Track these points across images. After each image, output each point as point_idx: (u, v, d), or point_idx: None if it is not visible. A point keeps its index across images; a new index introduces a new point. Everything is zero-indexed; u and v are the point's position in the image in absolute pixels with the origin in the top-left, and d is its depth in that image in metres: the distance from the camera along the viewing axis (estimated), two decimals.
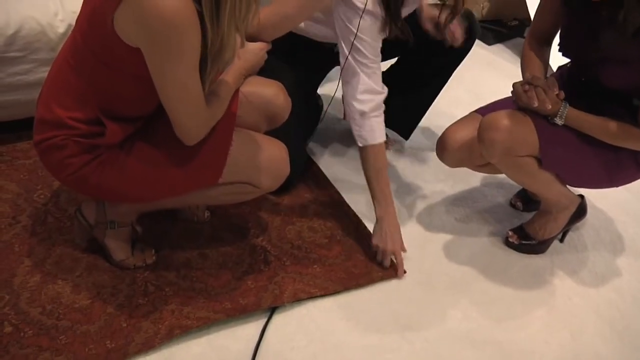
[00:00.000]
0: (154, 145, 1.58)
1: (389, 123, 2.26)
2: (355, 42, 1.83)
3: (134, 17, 1.30)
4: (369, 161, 1.97)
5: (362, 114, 1.93)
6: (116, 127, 1.51)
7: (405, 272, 2.00)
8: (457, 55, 2.25)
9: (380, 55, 1.90)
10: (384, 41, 1.91)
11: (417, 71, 2.31)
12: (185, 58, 1.35)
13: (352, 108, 1.93)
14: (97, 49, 1.41)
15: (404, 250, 2.03)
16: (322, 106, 2.55)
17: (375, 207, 2.01)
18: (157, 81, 1.40)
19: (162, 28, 1.28)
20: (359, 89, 1.90)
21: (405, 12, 1.94)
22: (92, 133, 1.51)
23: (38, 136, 1.54)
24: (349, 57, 1.86)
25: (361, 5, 1.81)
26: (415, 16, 2.12)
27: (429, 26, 2.12)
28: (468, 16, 2.21)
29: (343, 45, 1.87)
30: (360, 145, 1.96)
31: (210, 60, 1.40)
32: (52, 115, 1.50)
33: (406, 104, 2.39)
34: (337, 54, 1.94)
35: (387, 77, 2.37)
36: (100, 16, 1.35)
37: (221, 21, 1.35)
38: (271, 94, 1.84)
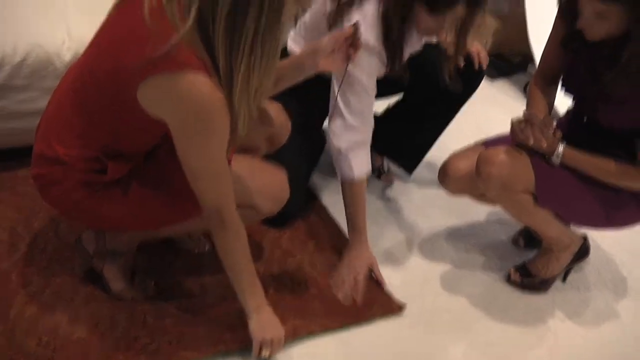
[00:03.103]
0: (152, 175, 1.58)
1: (393, 157, 2.26)
2: (346, 78, 1.83)
3: (164, 95, 1.32)
4: (346, 195, 2.00)
5: (339, 151, 1.93)
6: (118, 165, 1.51)
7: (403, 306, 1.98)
8: (463, 93, 2.25)
9: (371, 93, 1.90)
10: (385, 79, 1.91)
11: (423, 107, 2.30)
12: (216, 140, 1.38)
13: (331, 144, 1.94)
14: (110, 102, 1.41)
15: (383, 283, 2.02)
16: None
17: (349, 233, 2.03)
18: (183, 157, 1.41)
19: (195, 114, 1.32)
20: (340, 126, 1.91)
21: (407, 52, 1.94)
22: (91, 169, 1.51)
23: (37, 170, 1.54)
24: (338, 93, 1.86)
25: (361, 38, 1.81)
26: (422, 56, 2.13)
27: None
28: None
29: (334, 79, 1.88)
30: (340, 178, 1.98)
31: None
32: (51, 152, 1.49)
33: (411, 139, 2.39)
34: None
35: (393, 111, 2.38)
36: (124, 79, 1.35)
37: (233, 98, 1.35)
38: (271, 114, 1.85)
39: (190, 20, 1.29)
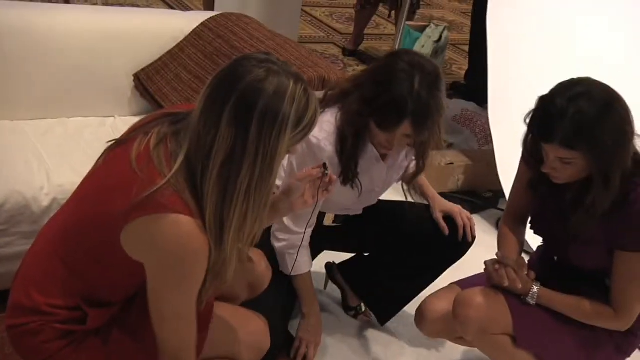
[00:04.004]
0: (133, 321, 1.55)
1: (369, 304, 2.26)
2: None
3: (145, 237, 1.33)
4: (293, 281, 2.14)
5: (276, 249, 2.06)
6: (98, 313, 1.49)
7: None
8: (450, 255, 2.29)
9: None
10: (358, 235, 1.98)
11: (408, 263, 2.32)
12: (189, 285, 1.38)
13: (271, 241, 2.05)
14: (94, 250, 1.42)
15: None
16: None
17: (302, 305, 2.18)
18: (155, 298, 1.41)
19: (175, 255, 1.33)
20: (276, 227, 2.05)
21: (364, 167, 2.01)
22: (71, 319, 1.48)
23: (11, 320, 1.50)
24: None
25: (315, 141, 1.90)
26: (400, 216, 2.25)
27: (438, 215, 2.23)
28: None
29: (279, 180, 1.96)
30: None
31: (210, 278, 1.41)
32: (30, 302, 1.47)
33: (390, 292, 2.39)
34: (324, 237, 2.00)
35: (377, 261, 2.41)
36: (108, 224, 1.37)
37: (224, 245, 1.37)
38: (253, 261, 1.85)
39: (176, 166, 1.33)
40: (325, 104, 1.97)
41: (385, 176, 2.12)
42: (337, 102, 1.97)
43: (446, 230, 2.21)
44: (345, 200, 2.12)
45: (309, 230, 2.04)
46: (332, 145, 1.93)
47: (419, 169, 2.09)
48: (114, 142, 1.49)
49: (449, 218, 2.24)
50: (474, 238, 2.26)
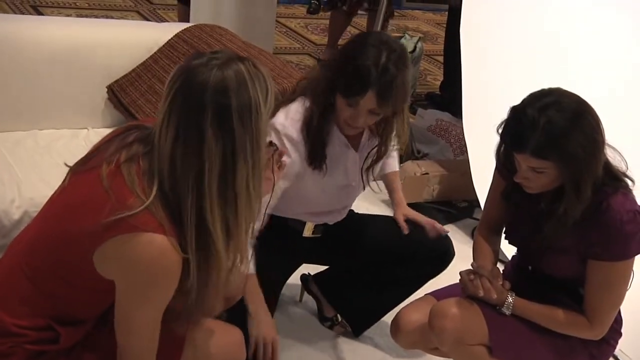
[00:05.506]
0: (102, 348, 1.52)
1: (344, 315, 2.24)
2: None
3: (117, 257, 1.32)
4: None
5: None
6: (70, 331, 1.46)
7: None
8: (429, 269, 2.29)
9: (277, 189, 1.88)
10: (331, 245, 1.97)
11: (386, 275, 2.33)
12: (158, 301, 1.37)
13: None
14: (61, 267, 1.40)
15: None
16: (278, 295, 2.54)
17: (247, 306, 1.94)
18: (121, 312, 1.39)
19: (148, 272, 1.32)
20: None
21: (334, 156, 2.01)
22: (41, 339, 1.45)
23: None
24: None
25: (280, 128, 1.88)
26: (381, 229, 2.25)
27: (400, 217, 2.26)
28: (444, 241, 2.29)
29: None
30: None
31: (221, 284, 1.42)
32: None
33: (366, 303, 2.39)
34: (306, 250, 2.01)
35: (355, 273, 2.40)
36: (79, 242, 1.35)
37: (241, 245, 1.39)
38: None
39: (153, 193, 1.32)
40: (295, 94, 1.99)
41: (359, 168, 2.13)
42: (306, 90, 1.98)
43: (405, 230, 2.23)
44: (321, 194, 2.10)
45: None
46: (297, 131, 1.94)
47: (380, 154, 2.11)
48: (81, 158, 1.48)
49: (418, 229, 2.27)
50: (454, 253, 2.27)
